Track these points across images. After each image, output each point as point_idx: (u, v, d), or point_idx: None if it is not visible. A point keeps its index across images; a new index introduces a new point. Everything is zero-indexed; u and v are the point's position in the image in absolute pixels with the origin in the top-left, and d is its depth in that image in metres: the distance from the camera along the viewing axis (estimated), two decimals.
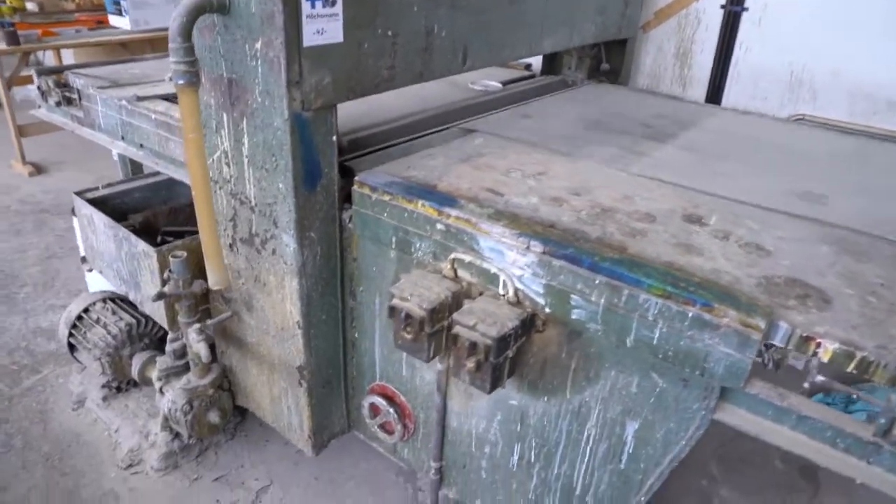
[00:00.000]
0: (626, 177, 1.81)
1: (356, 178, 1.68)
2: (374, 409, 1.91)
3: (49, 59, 6.27)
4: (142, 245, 2.06)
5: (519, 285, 1.42)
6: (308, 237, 1.67)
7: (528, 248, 1.38)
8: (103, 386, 2.54)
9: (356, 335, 1.90)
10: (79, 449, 2.38)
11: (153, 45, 5.11)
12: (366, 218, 1.67)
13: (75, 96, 2.48)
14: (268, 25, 1.40)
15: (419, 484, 2.14)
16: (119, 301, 2.54)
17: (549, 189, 1.68)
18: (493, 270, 1.45)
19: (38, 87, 2.58)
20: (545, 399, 1.52)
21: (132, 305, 2.47)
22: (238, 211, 1.77)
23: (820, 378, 1.12)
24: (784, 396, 1.18)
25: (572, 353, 1.43)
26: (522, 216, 1.50)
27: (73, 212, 2.52)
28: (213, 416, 2.13)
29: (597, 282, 1.29)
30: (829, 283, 1.30)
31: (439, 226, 1.52)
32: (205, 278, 1.75)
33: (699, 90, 3.24)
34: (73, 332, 2.48)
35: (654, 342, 1.25)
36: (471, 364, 1.34)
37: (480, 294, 1.49)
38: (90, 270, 2.63)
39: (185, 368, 2.15)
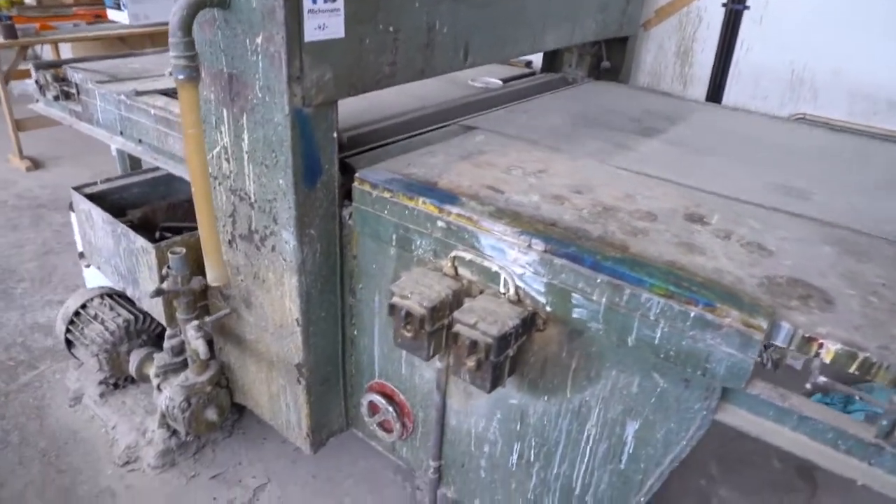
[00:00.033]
0: (627, 175, 1.80)
1: (356, 175, 1.67)
2: (373, 408, 1.91)
3: (47, 53, 6.23)
4: (140, 241, 2.05)
5: (520, 284, 1.41)
6: (308, 234, 1.67)
7: (529, 246, 1.37)
8: (100, 382, 2.53)
9: (355, 333, 1.89)
10: (75, 446, 2.37)
11: (152, 39, 5.07)
12: (366, 215, 1.66)
13: (73, 91, 2.46)
14: (269, 20, 1.39)
15: (417, 483, 2.14)
16: (117, 297, 2.53)
17: (550, 187, 1.68)
18: (494, 269, 1.44)
19: (37, 82, 2.56)
20: (545, 398, 1.52)
21: (130, 301, 2.46)
22: (237, 207, 1.76)
23: (822, 379, 1.12)
24: (785, 397, 1.17)
25: (573, 353, 1.42)
26: (524, 214, 1.49)
27: (70, 207, 2.51)
28: (211, 414, 2.13)
29: (598, 281, 1.29)
30: (831, 284, 1.29)
31: (440, 223, 1.51)
32: (203, 275, 1.74)
33: (700, 89, 3.23)
34: (70, 328, 2.47)
35: (656, 342, 1.24)
36: (471, 363, 1.33)
37: (481, 292, 1.48)
38: (88, 266, 2.62)
39: (183, 365, 2.14)
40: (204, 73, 1.57)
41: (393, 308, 1.45)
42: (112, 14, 4.99)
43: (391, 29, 1.62)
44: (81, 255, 2.61)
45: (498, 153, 1.91)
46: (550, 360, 1.46)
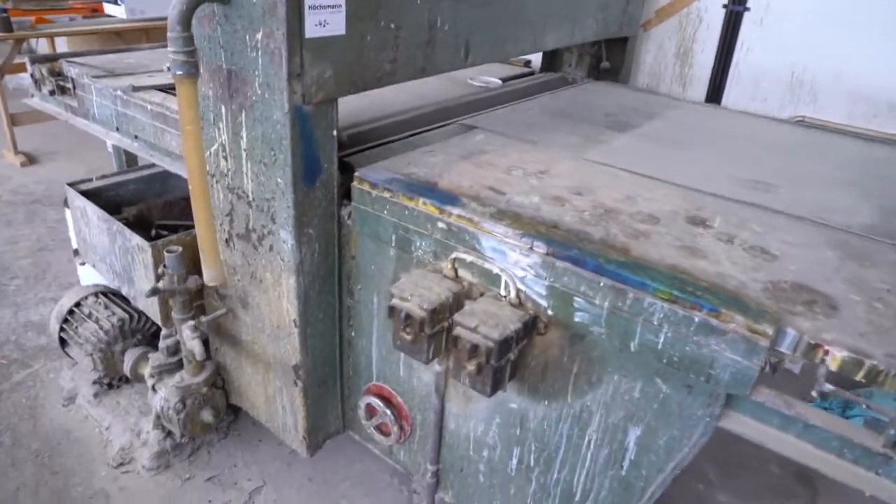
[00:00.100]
0: (628, 177, 1.79)
1: (356, 175, 1.65)
2: (371, 410, 1.89)
3: (42, 47, 6.19)
4: (136, 239, 2.03)
5: (521, 286, 1.40)
6: (306, 234, 1.64)
7: (531, 248, 1.36)
8: (95, 382, 2.50)
9: (353, 334, 1.87)
10: (69, 447, 2.35)
11: (148, 34, 5.04)
12: (365, 215, 1.64)
13: (69, 85, 2.43)
14: (269, 16, 1.37)
15: (415, 487, 2.12)
16: (111, 295, 2.50)
17: (551, 188, 1.66)
18: (495, 271, 1.42)
19: (32, 76, 2.53)
20: (546, 403, 1.50)
21: (125, 300, 2.43)
22: (235, 206, 1.74)
23: (829, 387, 1.10)
24: (791, 405, 1.16)
25: (574, 357, 1.41)
26: (525, 216, 1.47)
27: (65, 203, 2.48)
28: (207, 415, 2.10)
29: (601, 284, 1.27)
30: (836, 289, 1.28)
31: (440, 224, 1.49)
32: (200, 274, 1.71)
33: (699, 90, 3.22)
34: (64, 326, 2.44)
35: (659, 347, 1.23)
36: (471, 367, 1.32)
37: (481, 295, 1.46)
38: (83, 264, 2.59)
39: (179, 366, 2.12)
40: (202, 69, 1.55)
41: (392, 310, 1.43)
42: (109, 8, 4.96)
43: (392, 26, 1.60)
44: (76, 252, 2.58)
45: (498, 153, 1.89)
46: (551, 364, 1.45)
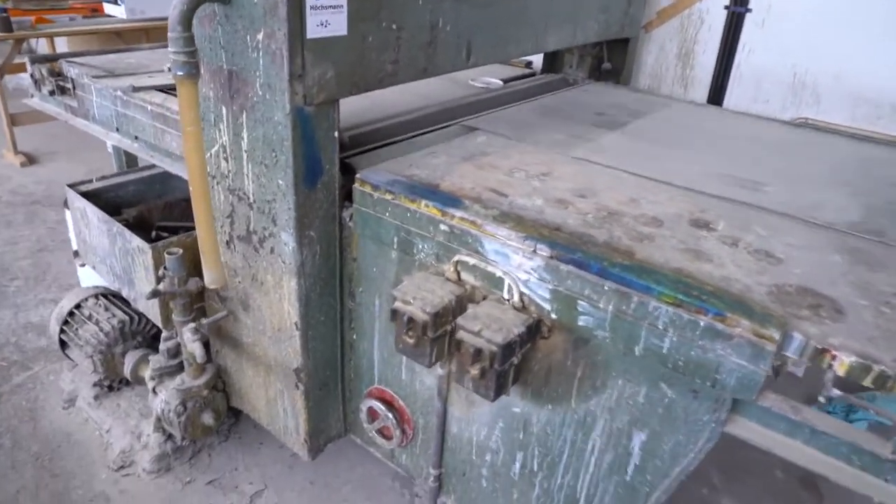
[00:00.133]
0: (631, 178, 1.77)
1: (357, 176, 1.64)
2: (372, 414, 1.87)
3: (42, 47, 6.18)
4: (136, 241, 2.02)
5: (524, 290, 1.38)
6: (307, 236, 1.63)
7: (534, 251, 1.35)
8: (95, 384, 2.49)
9: (354, 337, 1.86)
10: (69, 449, 2.33)
11: (148, 34, 5.03)
12: (367, 217, 1.63)
13: (69, 85, 2.42)
14: (270, 16, 1.35)
15: (416, 490, 2.11)
16: (112, 297, 2.49)
17: (554, 190, 1.65)
18: (498, 274, 1.41)
19: (32, 76, 2.52)
20: (549, 407, 1.49)
21: (125, 302, 2.42)
22: (236, 207, 1.72)
23: (836, 392, 1.09)
24: (798, 410, 1.15)
25: (578, 361, 1.39)
26: (528, 218, 1.46)
27: (65, 204, 2.46)
28: (207, 418, 2.09)
29: (605, 288, 1.26)
30: (842, 293, 1.27)
31: (443, 227, 1.48)
32: (200, 276, 1.70)
33: (701, 91, 3.21)
34: (64, 328, 2.43)
35: (664, 351, 1.22)
36: (475, 371, 1.31)
37: (484, 298, 1.45)
38: (83, 265, 2.58)
39: (179, 368, 2.11)
40: (203, 70, 1.53)
41: (395, 313, 1.42)
42: (108, 8, 4.95)
43: (394, 27, 1.59)
44: (76, 253, 2.57)
45: (500, 155, 1.88)
46: (555, 368, 1.44)
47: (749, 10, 2.93)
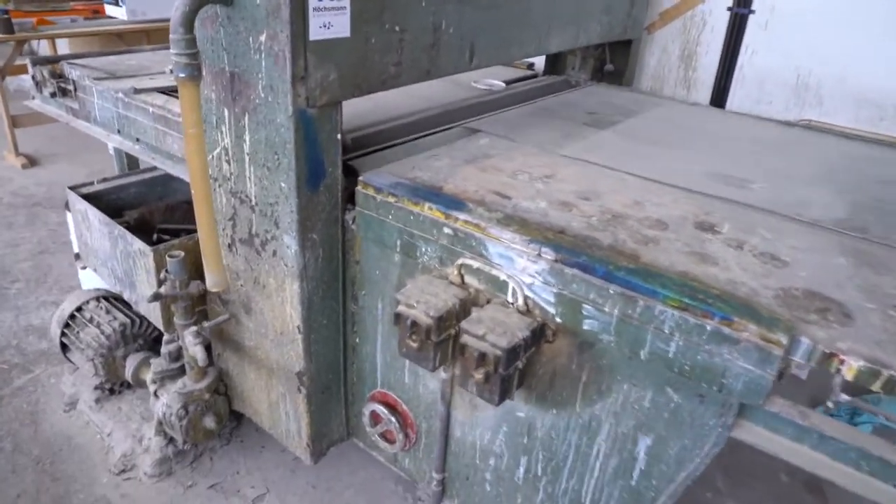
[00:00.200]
0: (634, 181, 1.77)
1: (360, 179, 1.63)
2: (375, 417, 1.86)
3: (44, 48, 6.18)
4: (138, 244, 2.01)
5: (529, 293, 1.37)
6: (310, 239, 1.62)
7: (539, 254, 1.34)
8: (96, 387, 2.47)
9: (357, 340, 1.85)
10: (70, 453, 2.32)
11: (150, 36, 5.03)
12: (369, 220, 1.62)
13: (71, 87, 2.41)
14: (273, 18, 1.35)
15: (419, 494, 2.09)
16: (113, 300, 2.48)
17: (558, 193, 1.64)
18: (503, 277, 1.40)
19: (33, 78, 2.51)
20: (554, 411, 1.48)
21: (126, 305, 2.41)
22: (238, 210, 1.72)
23: (845, 397, 1.08)
24: (805, 415, 1.14)
25: (583, 365, 1.38)
26: (532, 221, 1.45)
27: (66, 206, 2.46)
28: (209, 422, 2.08)
29: (610, 291, 1.25)
30: (849, 296, 1.26)
31: (446, 230, 1.47)
32: (202, 279, 1.69)
33: (704, 93, 3.20)
34: (65, 331, 2.42)
35: (670, 355, 1.21)
36: (479, 375, 1.30)
37: (488, 302, 1.44)
38: (84, 268, 2.57)
39: (181, 371, 2.10)
40: (205, 72, 1.52)
41: (399, 317, 1.41)
42: (110, 9, 4.94)
43: (397, 28, 1.58)
44: (77, 256, 2.56)
45: (503, 157, 1.87)
46: (560, 372, 1.42)
47: (752, 12, 2.92)
